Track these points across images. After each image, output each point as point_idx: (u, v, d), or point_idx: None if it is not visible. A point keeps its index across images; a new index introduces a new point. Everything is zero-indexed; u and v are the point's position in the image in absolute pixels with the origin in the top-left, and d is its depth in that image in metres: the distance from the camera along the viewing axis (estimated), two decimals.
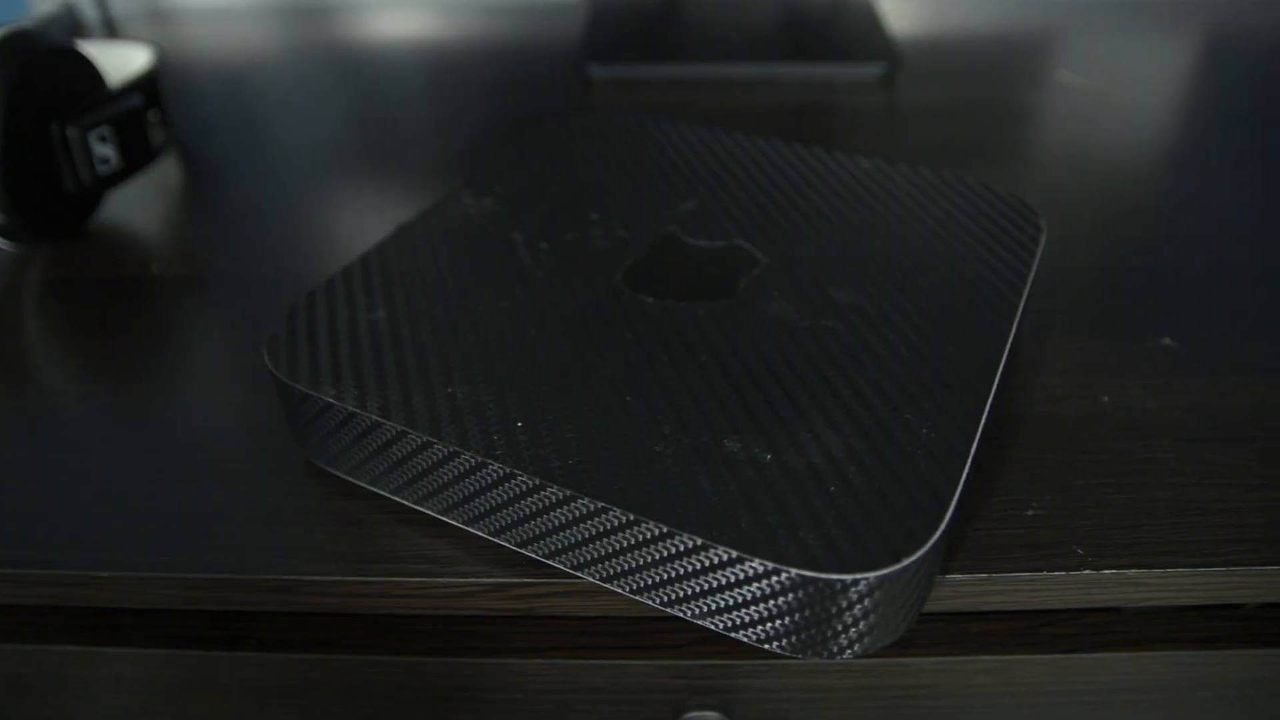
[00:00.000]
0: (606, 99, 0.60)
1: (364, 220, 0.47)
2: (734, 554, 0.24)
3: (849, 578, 0.23)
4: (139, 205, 0.49)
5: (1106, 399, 0.36)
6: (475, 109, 0.59)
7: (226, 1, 0.77)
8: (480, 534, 0.29)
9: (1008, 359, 0.34)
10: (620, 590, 0.27)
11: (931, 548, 0.24)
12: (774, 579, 0.24)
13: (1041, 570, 0.29)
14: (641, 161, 0.41)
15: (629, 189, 0.39)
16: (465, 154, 0.53)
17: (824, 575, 0.23)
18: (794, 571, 0.24)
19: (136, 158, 0.46)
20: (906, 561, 0.24)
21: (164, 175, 0.52)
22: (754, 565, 0.24)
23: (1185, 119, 0.57)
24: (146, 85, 0.48)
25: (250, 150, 0.54)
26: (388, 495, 0.31)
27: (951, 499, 0.25)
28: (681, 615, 0.27)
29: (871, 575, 0.23)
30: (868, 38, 0.66)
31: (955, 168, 0.51)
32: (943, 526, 0.25)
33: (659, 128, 0.44)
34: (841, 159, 0.42)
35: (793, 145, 0.43)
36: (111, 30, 0.72)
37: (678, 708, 0.33)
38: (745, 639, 0.26)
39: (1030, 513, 0.31)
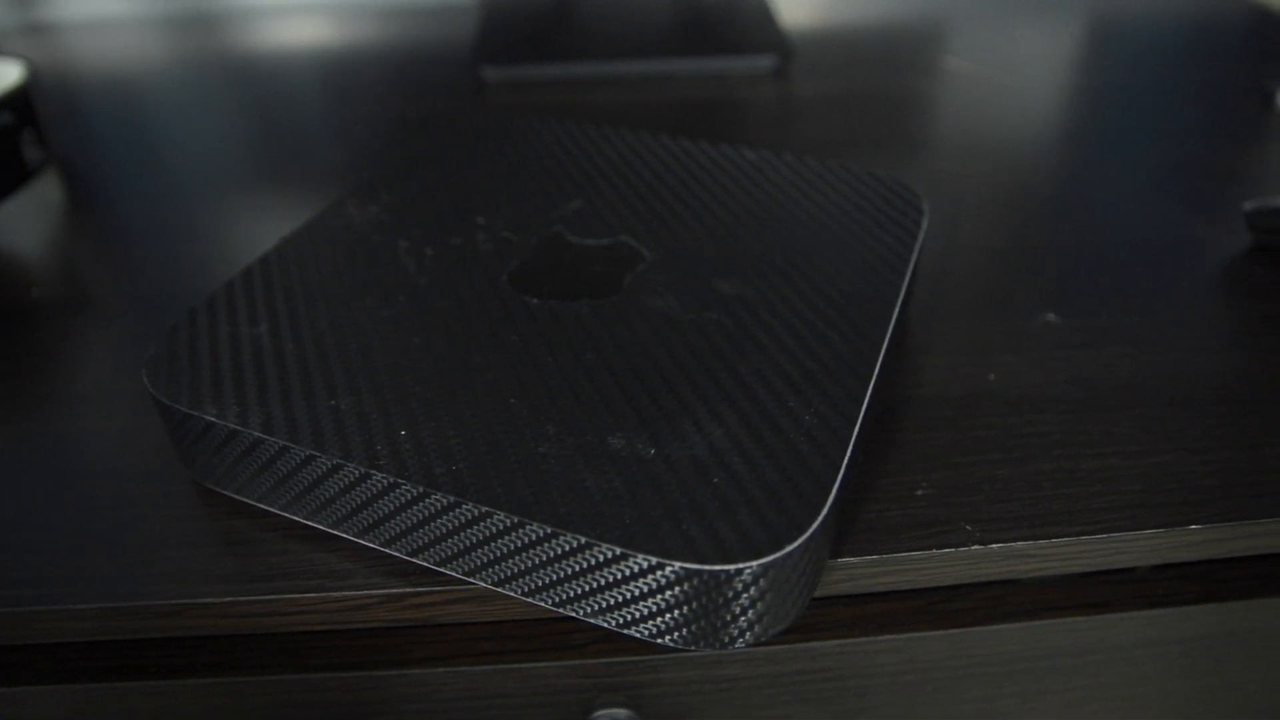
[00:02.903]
0: (500, 100, 0.60)
1: (255, 233, 0.46)
2: (618, 551, 0.24)
3: (733, 568, 0.24)
4: (16, 227, 0.47)
5: (993, 376, 0.36)
6: (368, 115, 0.58)
7: (109, 13, 0.75)
8: (372, 545, 0.29)
9: (896, 341, 0.34)
10: (513, 593, 0.27)
11: (815, 532, 0.25)
12: (660, 573, 0.24)
13: (932, 549, 0.30)
14: (529, 162, 0.41)
15: (516, 191, 0.39)
16: (357, 161, 0.52)
17: (708, 567, 0.24)
18: (678, 565, 0.24)
19: (9, 178, 0.45)
20: (790, 548, 0.24)
21: (43, 195, 0.50)
22: (639, 561, 0.24)
23: (1069, 102, 0.59)
24: (18, 102, 0.46)
25: (136, 166, 0.53)
26: (277, 511, 0.30)
27: (834, 483, 0.26)
28: (574, 615, 0.27)
29: (755, 564, 0.24)
30: (759, 31, 0.66)
31: (847, 156, 0.52)
32: (825, 511, 0.25)
33: (546, 128, 0.44)
34: (728, 152, 0.42)
35: (680, 140, 0.43)
36: None
37: (587, 707, 0.33)
38: (638, 634, 0.26)
39: (920, 492, 0.32)
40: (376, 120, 0.57)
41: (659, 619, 0.25)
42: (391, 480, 0.26)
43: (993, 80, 0.62)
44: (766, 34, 0.66)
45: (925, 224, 0.37)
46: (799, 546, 0.24)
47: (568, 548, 0.25)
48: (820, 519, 0.25)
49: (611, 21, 0.68)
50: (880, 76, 0.62)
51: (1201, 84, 0.61)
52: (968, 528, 0.30)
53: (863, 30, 0.70)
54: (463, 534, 0.26)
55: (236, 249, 0.45)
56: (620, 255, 0.35)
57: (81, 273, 0.44)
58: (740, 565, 0.24)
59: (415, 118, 0.57)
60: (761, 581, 0.24)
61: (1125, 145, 0.53)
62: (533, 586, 0.26)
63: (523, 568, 0.26)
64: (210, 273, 0.43)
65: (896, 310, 0.32)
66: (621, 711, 0.33)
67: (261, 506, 0.31)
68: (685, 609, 0.25)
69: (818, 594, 0.31)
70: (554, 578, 0.26)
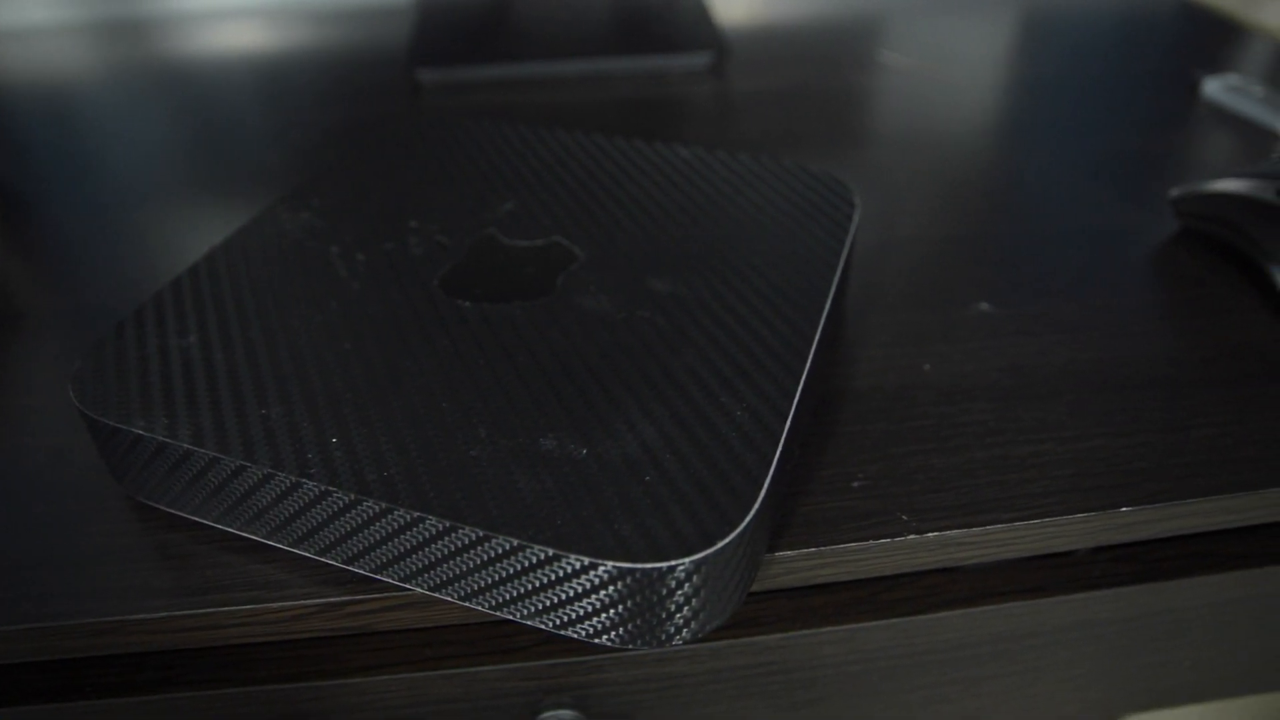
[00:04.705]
0: (437, 103, 0.59)
1: (189, 242, 0.45)
2: (551, 552, 0.24)
3: (665, 565, 0.24)
4: None
5: (928, 367, 0.37)
6: (304, 120, 0.57)
7: (36, 21, 0.74)
8: (307, 554, 0.29)
9: (830, 334, 0.34)
10: (449, 598, 0.27)
11: (748, 527, 0.25)
12: (593, 573, 0.24)
13: (868, 540, 0.30)
14: (462, 165, 0.41)
15: (449, 194, 0.39)
16: (292, 167, 0.52)
17: (641, 565, 0.24)
18: (611, 564, 0.24)
19: None
20: (722, 544, 0.24)
21: None
22: (571, 561, 0.24)
23: (1002, 94, 0.59)
24: None
25: (67, 176, 0.52)
26: (212, 524, 0.30)
27: (766, 478, 0.26)
28: (511, 618, 0.27)
29: (688, 560, 0.24)
30: (695, 28, 0.67)
31: (783, 152, 0.52)
32: (757, 505, 0.25)
33: (480, 130, 0.44)
34: (661, 150, 0.42)
35: (613, 139, 0.43)
36: None
37: (533, 709, 0.33)
38: (576, 635, 0.26)
39: (856, 484, 0.32)
40: (311, 125, 0.57)
41: (595, 619, 0.25)
42: (323, 488, 0.26)
43: (927, 74, 0.62)
44: (702, 31, 0.66)
45: (857, 217, 0.37)
46: (732, 541, 0.24)
47: (500, 550, 0.25)
48: (752, 513, 0.25)
49: (547, 21, 0.68)
50: (816, 72, 0.63)
51: (1130, 74, 0.62)
52: (903, 518, 0.31)
53: (798, 26, 0.71)
54: (396, 540, 0.26)
55: (170, 259, 0.44)
56: (553, 256, 0.35)
57: (9, 287, 0.43)
58: (673, 562, 0.24)
59: (350, 122, 0.57)
60: (695, 578, 0.24)
61: (1057, 135, 0.54)
62: (469, 590, 0.26)
63: (457, 572, 0.26)
64: (143, 283, 0.43)
65: (828, 303, 0.33)
66: (567, 713, 0.33)
67: (195, 519, 0.30)
68: (620, 608, 0.25)
69: (759, 588, 0.31)
70: (489, 581, 0.26)
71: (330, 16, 0.74)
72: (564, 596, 0.25)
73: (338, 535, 0.27)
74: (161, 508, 0.31)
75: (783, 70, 0.63)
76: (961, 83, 0.61)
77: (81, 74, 0.65)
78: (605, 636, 0.26)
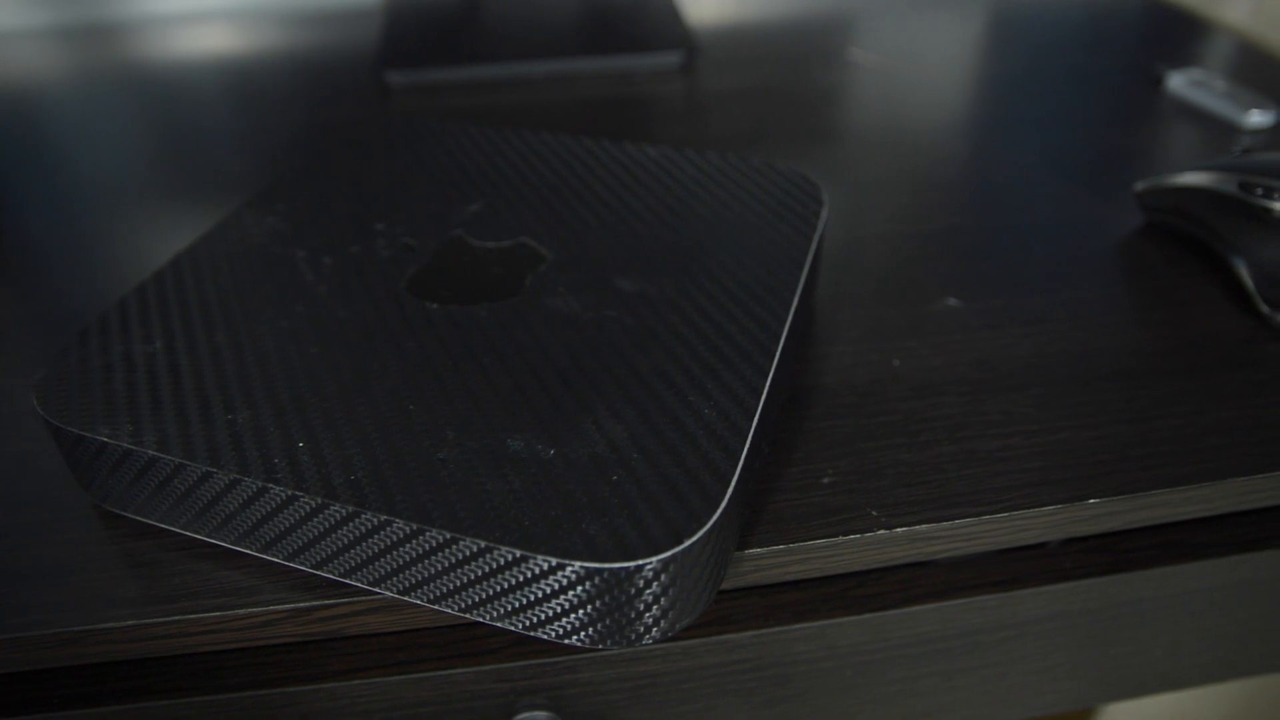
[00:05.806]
0: (406, 105, 0.59)
1: (156, 248, 0.45)
2: (518, 553, 0.24)
3: (633, 564, 0.24)
4: None
5: (897, 362, 0.37)
6: (271, 124, 0.57)
7: (6, 25, 0.73)
8: (276, 560, 0.29)
9: (799, 331, 0.35)
10: (419, 601, 0.27)
11: (715, 525, 0.25)
12: (561, 574, 0.24)
13: (838, 535, 0.30)
14: (429, 167, 0.41)
15: (416, 195, 0.39)
16: (258, 171, 0.52)
17: (609, 565, 0.24)
18: (579, 564, 0.24)
19: None
20: (690, 542, 0.24)
21: None
22: (539, 562, 0.24)
23: (970, 91, 0.60)
24: None
25: (32, 182, 0.51)
26: (179, 531, 0.30)
27: (733, 475, 0.26)
28: (481, 620, 0.26)
29: (656, 559, 0.24)
30: (665, 28, 0.67)
31: (753, 150, 0.53)
32: (724, 503, 0.25)
33: (447, 131, 0.44)
34: (629, 149, 0.42)
35: (581, 139, 0.43)
36: None
37: (509, 710, 0.33)
38: (546, 636, 0.26)
39: (826, 480, 0.32)
40: (278, 129, 0.56)
41: (565, 619, 0.25)
42: (290, 493, 0.26)
43: (895, 71, 0.62)
44: (673, 31, 0.66)
45: (825, 214, 0.37)
46: (700, 539, 0.24)
47: (468, 552, 0.25)
48: (720, 511, 0.25)
49: (517, 22, 0.68)
50: (786, 70, 0.63)
51: (1095, 70, 0.62)
52: (873, 513, 0.31)
53: (768, 25, 0.71)
54: (365, 544, 0.26)
55: (135, 264, 0.44)
56: (520, 256, 0.35)
57: None
58: (641, 561, 0.24)
59: (319, 125, 0.57)
60: (664, 576, 0.24)
61: (1023, 131, 0.54)
62: (438, 593, 0.26)
63: (426, 575, 0.26)
64: (108, 289, 0.42)
65: (796, 300, 0.33)
66: (542, 714, 0.33)
67: (163, 526, 0.30)
68: (590, 608, 0.25)
69: (731, 586, 0.31)
70: (458, 583, 0.26)
71: (298, 19, 0.74)
72: (533, 598, 0.25)
73: (306, 540, 0.27)
74: (128, 515, 0.31)
75: (752, 69, 0.63)
76: (929, 80, 0.61)
77: (49, 78, 0.64)
78: (575, 637, 0.26)
